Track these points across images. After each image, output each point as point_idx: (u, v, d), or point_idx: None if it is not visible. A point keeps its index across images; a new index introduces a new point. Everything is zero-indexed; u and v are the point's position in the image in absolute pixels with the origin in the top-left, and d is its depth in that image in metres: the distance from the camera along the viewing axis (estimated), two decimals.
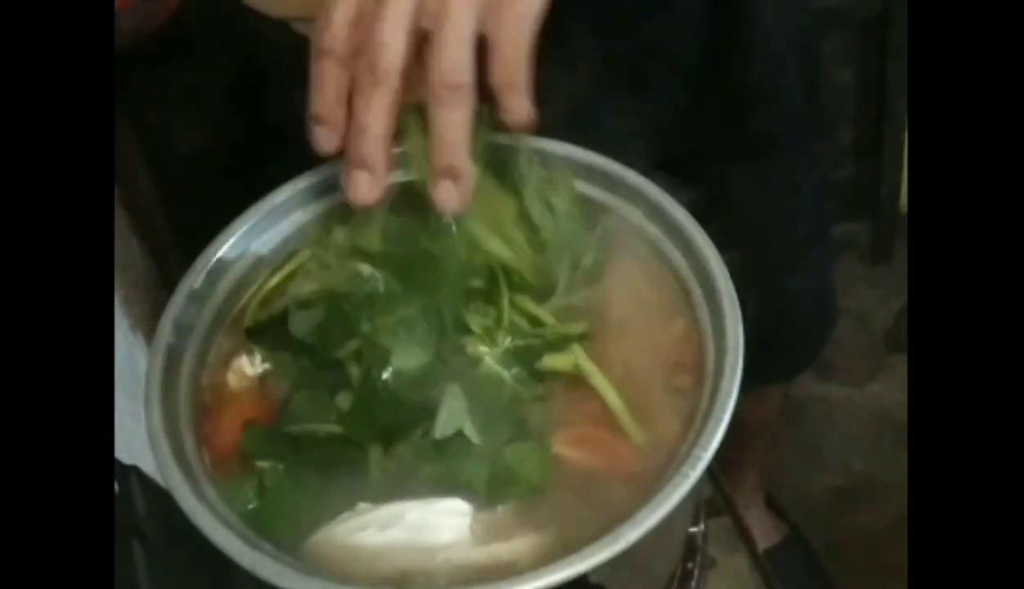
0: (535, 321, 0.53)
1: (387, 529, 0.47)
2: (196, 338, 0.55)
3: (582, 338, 0.53)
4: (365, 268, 0.52)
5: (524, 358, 0.52)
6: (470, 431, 0.49)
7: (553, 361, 0.52)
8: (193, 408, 0.52)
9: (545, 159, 0.60)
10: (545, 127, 0.61)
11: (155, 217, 0.86)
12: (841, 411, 1.50)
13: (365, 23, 0.50)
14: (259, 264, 0.59)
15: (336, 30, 0.51)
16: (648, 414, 0.51)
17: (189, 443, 0.50)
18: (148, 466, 0.59)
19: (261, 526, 0.47)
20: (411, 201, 0.55)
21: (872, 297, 1.60)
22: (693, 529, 0.61)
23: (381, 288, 0.52)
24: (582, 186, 0.59)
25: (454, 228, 0.53)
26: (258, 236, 0.59)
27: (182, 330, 0.54)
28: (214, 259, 0.57)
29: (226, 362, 0.55)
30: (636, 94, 0.76)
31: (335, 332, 0.52)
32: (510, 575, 0.43)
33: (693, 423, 0.48)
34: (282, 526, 0.48)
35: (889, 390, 1.50)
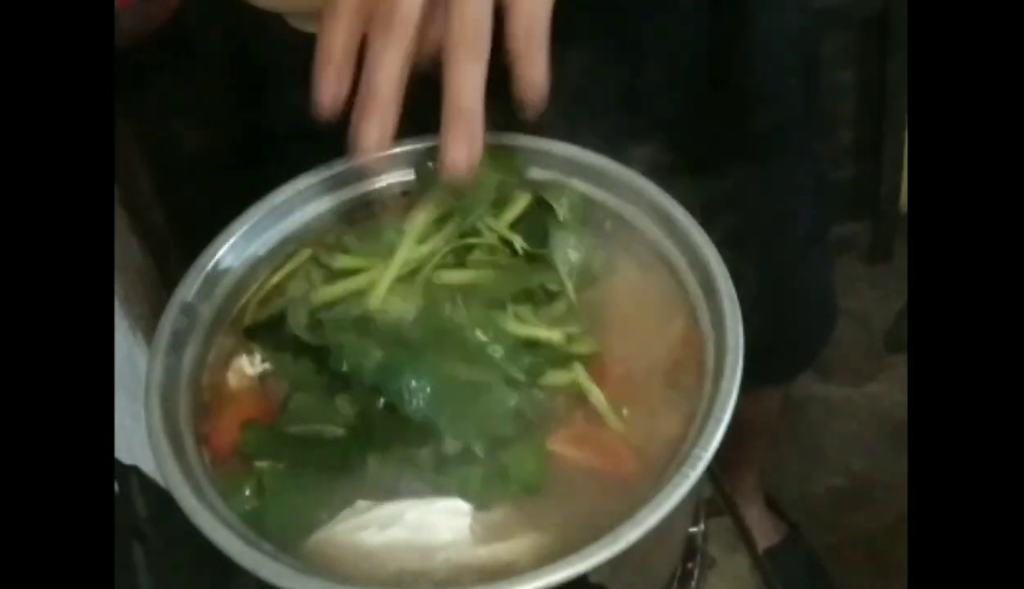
0: (535, 342, 0.53)
1: (387, 529, 0.47)
2: (196, 338, 0.55)
3: (584, 358, 0.53)
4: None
5: (527, 376, 0.52)
6: (477, 447, 0.49)
7: (554, 378, 0.52)
8: (193, 408, 0.52)
9: (545, 159, 0.60)
10: (545, 127, 0.61)
11: (155, 217, 0.86)
12: (841, 411, 1.50)
13: None
14: (259, 264, 0.59)
15: None
16: (648, 414, 0.51)
17: (189, 443, 0.50)
18: (148, 466, 0.59)
19: (261, 526, 0.47)
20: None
21: (872, 297, 1.60)
22: (693, 529, 0.61)
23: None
24: (582, 186, 0.59)
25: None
26: (258, 236, 0.59)
27: (182, 330, 0.54)
28: (214, 259, 0.57)
29: (226, 362, 0.55)
30: (636, 94, 0.76)
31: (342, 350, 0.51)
32: (510, 575, 0.43)
33: (693, 423, 0.48)
34: (282, 526, 0.48)
35: (889, 390, 1.50)
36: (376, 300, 0.53)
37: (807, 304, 1.01)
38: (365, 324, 0.52)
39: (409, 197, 0.62)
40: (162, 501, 0.49)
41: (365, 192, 0.62)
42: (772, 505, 1.29)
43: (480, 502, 0.48)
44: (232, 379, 0.55)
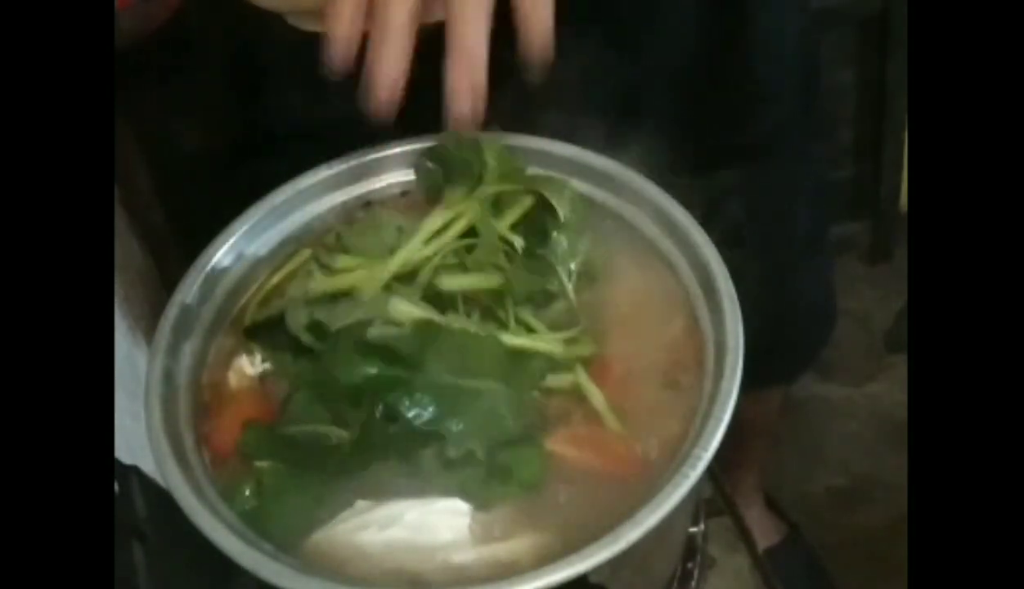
0: (535, 350, 0.53)
1: (387, 529, 0.47)
2: (196, 338, 0.55)
3: (586, 360, 0.53)
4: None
5: (528, 379, 0.52)
6: (477, 448, 0.49)
7: (555, 381, 0.52)
8: (193, 408, 0.52)
9: (545, 159, 0.60)
10: (545, 128, 0.61)
11: (155, 217, 0.86)
12: (841, 411, 1.50)
13: None
14: (259, 264, 0.59)
15: None
16: (648, 414, 0.51)
17: (189, 443, 0.50)
18: (148, 466, 0.59)
19: (261, 526, 0.47)
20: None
21: (872, 297, 1.60)
22: (693, 529, 0.61)
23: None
24: (582, 186, 0.59)
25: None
26: (258, 236, 0.59)
27: (182, 330, 0.54)
28: (214, 259, 0.57)
29: (226, 362, 0.55)
30: (636, 94, 0.76)
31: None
32: (510, 575, 0.43)
33: (693, 423, 0.48)
34: (282, 526, 0.48)
35: (889, 390, 1.50)
36: (374, 301, 0.53)
37: (807, 304, 1.01)
38: (363, 329, 0.52)
39: (409, 197, 0.62)
40: (162, 501, 0.49)
41: (365, 192, 0.62)
42: (772, 505, 1.29)
43: (480, 502, 0.48)
44: (232, 379, 0.55)
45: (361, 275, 0.54)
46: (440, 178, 0.59)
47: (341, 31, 0.52)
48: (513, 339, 0.52)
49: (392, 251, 0.55)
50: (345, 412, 0.50)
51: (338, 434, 0.50)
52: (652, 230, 0.57)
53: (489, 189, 0.57)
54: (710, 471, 0.51)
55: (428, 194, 0.61)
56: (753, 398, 0.86)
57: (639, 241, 0.57)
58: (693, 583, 0.61)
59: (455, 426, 0.49)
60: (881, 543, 1.28)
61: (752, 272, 0.54)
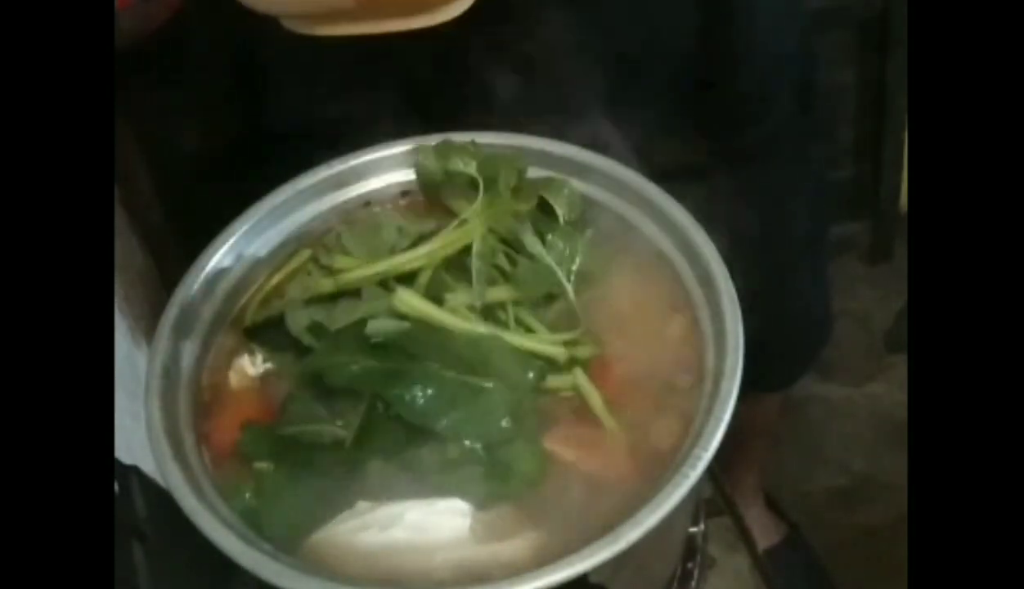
0: (535, 351, 0.53)
1: (387, 529, 0.47)
2: (196, 338, 0.55)
3: (584, 361, 0.53)
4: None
5: (527, 381, 0.52)
6: (477, 448, 0.49)
7: (554, 382, 0.52)
8: (193, 408, 0.52)
9: (545, 159, 0.60)
10: (545, 128, 0.61)
11: (155, 216, 0.86)
12: (841, 411, 1.49)
13: None
14: (259, 264, 0.59)
15: None
16: (648, 414, 0.51)
17: (189, 443, 0.50)
18: (148, 466, 0.59)
19: (261, 526, 0.47)
20: None
21: (872, 297, 1.60)
22: (693, 529, 0.61)
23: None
24: (582, 186, 0.59)
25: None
26: (258, 236, 0.59)
27: (182, 330, 0.54)
28: (214, 259, 0.57)
29: (227, 362, 0.55)
30: (634, 97, 0.76)
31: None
32: (510, 575, 0.43)
33: (693, 423, 0.48)
34: (282, 526, 0.48)
35: (889, 390, 1.50)
36: (373, 300, 0.53)
37: (804, 307, 1.01)
38: (362, 330, 0.52)
39: (409, 197, 0.62)
40: (162, 501, 0.49)
41: (365, 192, 0.62)
42: (772, 505, 1.29)
43: (480, 500, 0.48)
44: (233, 379, 0.55)
45: (361, 275, 0.55)
46: (440, 178, 0.59)
47: None
48: (513, 339, 0.52)
49: (392, 251, 0.56)
50: (344, 410, 0.50)
51: (338, 433, 0.50)
52: (652, 230, 0.57)
53: (491, 194, 0.57)
54: (710, 471, 0.51)
55: (428, 194, 0.61)
56: (753, 398, 0.86)
57: (639, 241, 0.57)
58: (693, 583, 0.61)
59: (454, 422, 0.49)
60: (881, 543, 1.28)
61: (752, 272, 0.54)
